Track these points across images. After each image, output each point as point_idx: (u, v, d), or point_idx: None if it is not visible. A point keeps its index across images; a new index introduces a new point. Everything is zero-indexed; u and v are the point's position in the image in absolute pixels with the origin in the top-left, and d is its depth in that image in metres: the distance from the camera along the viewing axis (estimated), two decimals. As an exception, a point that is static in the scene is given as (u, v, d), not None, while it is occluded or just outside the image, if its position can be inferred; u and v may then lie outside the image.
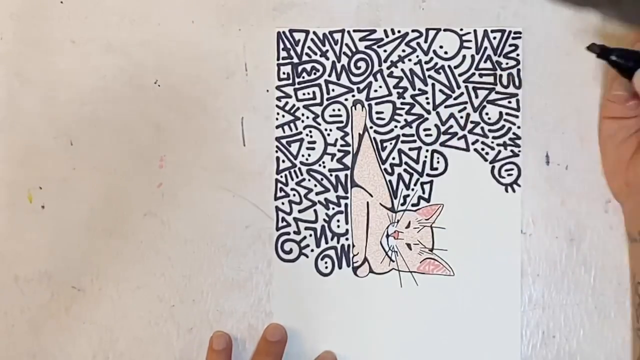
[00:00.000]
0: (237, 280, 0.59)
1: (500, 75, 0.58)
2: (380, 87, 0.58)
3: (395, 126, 0.58)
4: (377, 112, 0.58)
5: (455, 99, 0.58)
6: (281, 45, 0.59)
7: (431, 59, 0.58)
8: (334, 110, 0.59)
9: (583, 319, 0.57)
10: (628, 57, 0.52)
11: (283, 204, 0.59)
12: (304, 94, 0.59)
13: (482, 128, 0.58)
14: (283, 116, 0.59)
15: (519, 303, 0.57)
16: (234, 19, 0.59)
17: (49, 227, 0.60)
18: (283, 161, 0.59)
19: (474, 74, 0.58)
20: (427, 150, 0.58)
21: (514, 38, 0.58)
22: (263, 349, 0.58)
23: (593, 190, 0.57)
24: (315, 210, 0.59)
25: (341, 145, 0.59)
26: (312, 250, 0.59)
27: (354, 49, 0.59)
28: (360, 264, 0.58)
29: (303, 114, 0.59)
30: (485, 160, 0.58)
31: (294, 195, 0.59)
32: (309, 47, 0.59)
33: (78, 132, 0.60)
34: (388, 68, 0.58)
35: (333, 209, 0.59)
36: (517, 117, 0.58)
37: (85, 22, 0.60)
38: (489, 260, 0.58)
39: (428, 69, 0.58)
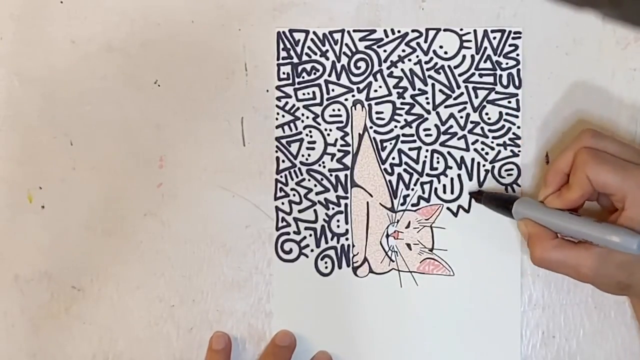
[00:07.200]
0: (237, 280, 0.59)
1: (500, 75, 0.58)
2: (380, 87, 0.58)
3: (395, 126, 0.58)
4: (377, 112, 0.58)
5: (455, 99, 0.58)
6: (281, 45, 0.59)
7: (431, 59, 0.58)
8: (334, 110, 0.59)
9: (583, 319, 0.57)
10: (494, 201, 0.56)
11: (283, 204, 0.59)
12: (304, 94, 0.59)
13: (482, 128, 0.58)
14: (283, 116, 0.59)
15: (519, 303, 0.57)
16: (234, 19, 0.59)
17: (49, 227, 0.60)
18: (283, 161, 0.59)
19: (473, 74, 0.58)
20: (427, 150, 0.58)
21: (513, 38, 0.58)
22: (271, 352, 0.58)
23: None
24: (315, 210, 0.59)
25: (341, 145, 0.59)
26: (312, 250, 0.59)
27: (354, 49, 0.58)
28: (360, 264, 0.58)
29: (303, 114, 0.59)
30: (485, 160, 0.58)
31: (294, 195, 0.59)
32: (309, 47, 0.59)
33: (78, 132, 0.60)
34: (388, 68, 0.58)
35: (333, 209, 0.59)
36: (517, 117, 0.58)
37: (85, 22, 0.60)
38: (489, 260, 0.58)
39: (428, 69, 0.58)
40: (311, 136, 0.59)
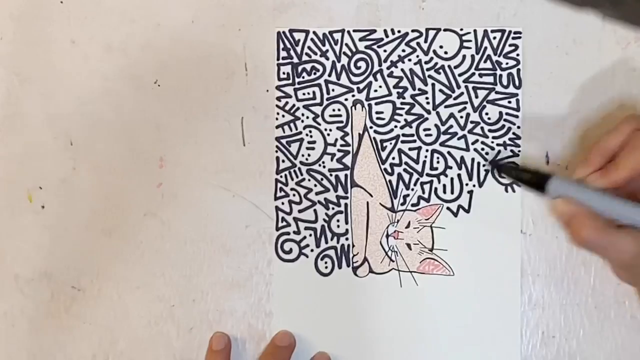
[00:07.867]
0: (237, 280, 0.59)
1: (500, 75, 0.58)
2: (380, 87, 0.58)
3: (395, 126, 0.58)
4: (377, 112, 0.58)
5: (455, 99, 0.58)
6: (281, 45, 0.59)
7: (431, 59, 0.58)
8: (333, 110, 0.59)
9: (583, 319, 0.58)
10: (523, 174, 0.54)
11: (283, 204, 0.59)
12: (304, 94, 0.59)
13: (482, 128, 0.58)
14: (283, 116, 0.59)
15: (519, 303, 0.57)
16: (234, 19, 0.59)
17: (49, 227, 0.60)
18: (283, 161, 0.59)
19: (474, 73, 0.58)
20: (427, 150, 0.58)
21: (514, 38, 0.58)
22: (270, 353, 0.58)
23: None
24: (315, 210, 0.59)
25: (341, 145, 0.59)
26: (312, 250, 0.59)
27: (353, 49, 0.59)
28: (360, 264, 0.58)
29: (303, 114, 0.59)
30: (486, 160, 0.58)
31: (294, 195, 0.59)
32: (309, 47, 0.59)
33: (78, 132, 0.60)
34: (388, 68, 0.58)
35: (333, 209, 0.59)
36: (517, 117, 0.58)
37: (85, 22, 0.60)
38: (489, 260, 0.58)
39: (428, 69, 0.58)
40: (311, 136, 0.59)
